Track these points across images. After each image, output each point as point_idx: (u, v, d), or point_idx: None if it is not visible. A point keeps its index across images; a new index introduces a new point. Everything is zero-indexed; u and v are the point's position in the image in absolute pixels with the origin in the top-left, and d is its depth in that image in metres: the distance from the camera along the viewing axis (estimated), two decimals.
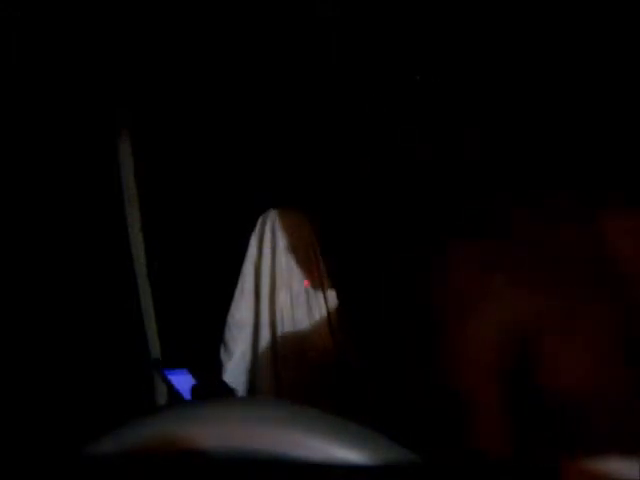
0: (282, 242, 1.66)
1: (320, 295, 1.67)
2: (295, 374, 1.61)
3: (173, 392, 1.57)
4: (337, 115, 1.72)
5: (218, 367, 1.69)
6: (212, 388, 1.55)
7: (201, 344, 1.73)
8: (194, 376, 1.53)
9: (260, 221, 1.70)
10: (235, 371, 1.67)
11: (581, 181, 0.94)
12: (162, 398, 1.79)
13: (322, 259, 1.69)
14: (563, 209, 0.87)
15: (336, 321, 1.67)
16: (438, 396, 0.85)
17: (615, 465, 0.76)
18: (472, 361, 0.82)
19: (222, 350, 1.69)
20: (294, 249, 1.67)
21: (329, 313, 1.67)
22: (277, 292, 1.65)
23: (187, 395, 1.56)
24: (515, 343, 0.81)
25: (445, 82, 1.46)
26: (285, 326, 1.63)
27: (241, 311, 1.69)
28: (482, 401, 0.82)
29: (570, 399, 0.79)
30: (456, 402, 0.83)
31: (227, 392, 1.58)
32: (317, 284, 1.67)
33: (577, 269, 0.82)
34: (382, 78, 1.60)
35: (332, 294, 1.68)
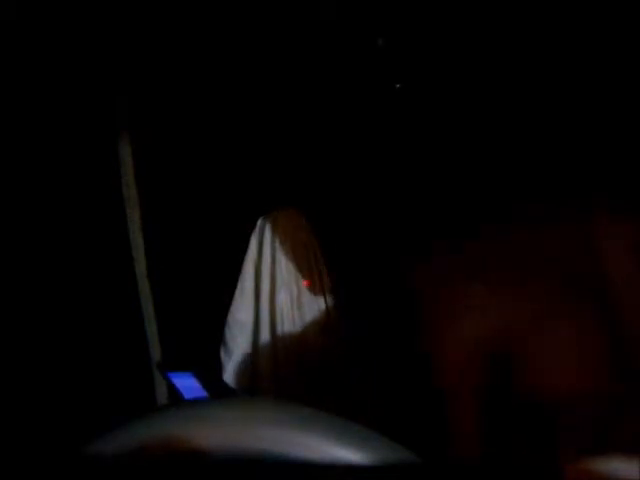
0: (282, 243, 1.66)
1: (320, 295, 1.67)
2: (295, 374, 1.61)
3: (176, 395, 1.57)
4: (337, 117, 1.72)
5: (218, 367, 1.69)
6: (221, 389, 1.55)
7: (201, 344, 1.73)
8: (198, 379, 1.53)
9: (260, 222, 1.70)
10: (235, 371, 1.67)
11: (562, 186, 0.94)
12: (162, 398, 1.79)
13: (322, 259, 1.69)
14: (543, 214, 0.88)
15: (336, 321, 1.67)
16: (424, 396, 0.86)
17: (615, 465, 0.76)
18: (452, 362, 0.83)
19: (222, 350, 1.69)
20: (294, 250, 1.67)
21: (329, 313, 1.67)
22: (277, 292, 1.65)
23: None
24: (497, 345, 0.81)
25: (438, 84, 1.46)
26: (285, 326, 1.63)
27: (241, 311, 1.69)
28: (461, 401, 0.82)
29: (552, 400, 0.80)
30: (438, 401, 0.84)
31: (229, 392, 1.58)
32: (317, 284, 1.67)
33: (559, 273, 0.83)
34: (379, 80, 1.60)
35: (332, 294, 1.68)
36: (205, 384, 1.52)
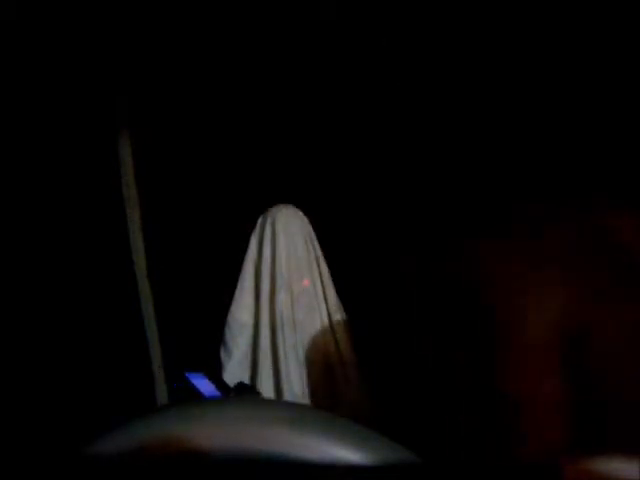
0: (282, 241, 1.66)
1: (320, 295, 1.67)
2: (295, 374, 1.61)
3: (181, 395, 1.56)
4: (338, 114, 1.72)
5: (218, 367, 1.68)
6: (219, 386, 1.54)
7: (201, 344, 1.73)
8: (212, 380, 1.52)
9: (260, 220, 1.70)
10: (235, 371, 1.67)
11: (619, 182, 0.94)
12: (162, 398, 1.79)
13: (322, 258, 1.69)
14: (610, 212, 0.88)
15: (337, 321, 1.67)
16: (490, 397, 0.85)
17: (615, 465, 0.76)
18: (531, 360, 0.82)
19: (222, 350, 1.69)
20: (294, 248, 1.66)
21: (329, 313, 1.67)
22: (277, 292, 1.64)
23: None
24: (570, 340, 0.81)
25: (442, 85, 1.46)
26: (285, 326, 1.62)
27: (241, 311, 1.68)
28: (541, 399, 0.82)
29: (621, 392, 0.79)
30: (512, 401, 0.83)
31: (229, 390, 1.58)
32: (317, 284, 1.67)
33: (623, 267, 0.83)
34: (384, 79, 1.60)
35: (332, 293, 1.68)
36: (219, 384, 1.52)
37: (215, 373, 1.57)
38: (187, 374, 1.51)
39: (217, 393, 1.47)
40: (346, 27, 1.56)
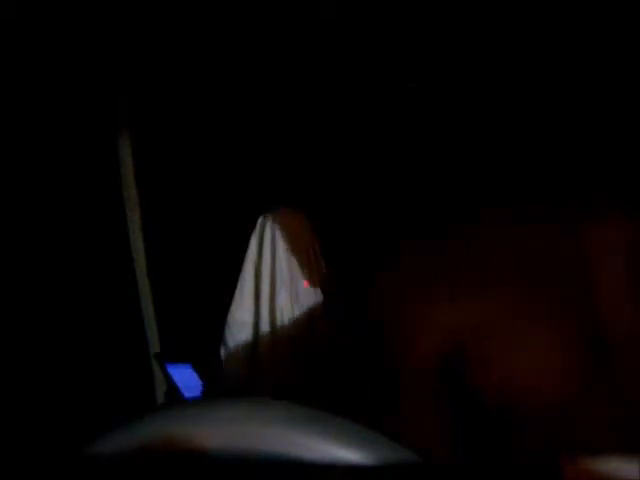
0: (282, 242, 1.66)
1: (320, 295, 1.67)
2: (295, 374, 1.61)
3: (172, 387, 1.56)
4: (337, 116, 1.72)
5: (218, 366, 1.69)
6: (219, 385, 1.55)
7: (201, 344, 1.73)
8: (197, 372, 1.52)
9: (260, 221, 1.70)
10: (235, 371, 1.67)
11: (544, 186, 0.95)
12: (162, 398, 1.79)
13: (322, 259, 1.69)
14: (515, 213, 0.88)
15: (337, 321, 1.67)
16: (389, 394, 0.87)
17: (615, 465, 0.76)
18: (410, 361, 0.83)
19: (222, 350, 1.69)
20: (294, 249, 1.66)
21: (330, 313, 1.67)
22: (277, 292, 1.65)
23: (187, 391, 1.55)
24: (452, 345, 0.81)
25: (432, 88, 1.46)
26: (285, 326, 1.63)
27: (241, 311, 1.69)
28: (418, 399, 0.83)
29: (519, 402, 0.79)
30: (398, 398, 0.85)
31: (229, 390, 1.58)
32: (317, 284, 1.67)
33: (523, 273, 0.82)
34: (378, 82, 1.60)
35: (332, 293, 1.68)
36: (202, 375, 1.52)
37: (201, 363, 1.57)
38: (167, 365, 1.51)
39: (198, 384, 1.47)
40: (346, 27, 1.56)
